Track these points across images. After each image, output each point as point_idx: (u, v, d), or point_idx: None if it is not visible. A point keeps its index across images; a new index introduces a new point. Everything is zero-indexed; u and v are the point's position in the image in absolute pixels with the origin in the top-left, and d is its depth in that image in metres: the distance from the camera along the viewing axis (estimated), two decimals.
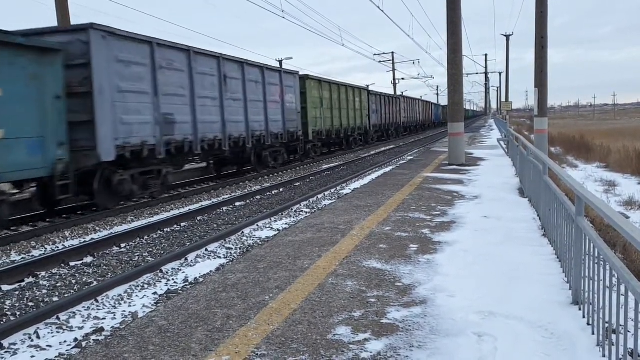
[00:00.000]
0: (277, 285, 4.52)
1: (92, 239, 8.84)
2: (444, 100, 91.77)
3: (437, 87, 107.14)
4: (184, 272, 6.78)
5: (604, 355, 3.07)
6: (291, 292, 4.35)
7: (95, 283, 6.51)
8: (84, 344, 4.68)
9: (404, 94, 54.61)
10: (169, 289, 6.13)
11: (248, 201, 12.62)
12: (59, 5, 14.74)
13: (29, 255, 7.95)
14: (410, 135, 48.14)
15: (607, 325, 3.03)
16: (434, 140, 37.75)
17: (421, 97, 63.25)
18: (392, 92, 52.53)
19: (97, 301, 5.73)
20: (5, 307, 5.75)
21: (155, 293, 6.02)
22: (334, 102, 25.64)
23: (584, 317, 3.63)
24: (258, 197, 13.30)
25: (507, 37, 52.75)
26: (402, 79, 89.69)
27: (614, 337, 2.88)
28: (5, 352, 4.59)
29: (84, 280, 6.66)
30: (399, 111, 41.86)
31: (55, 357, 4.49)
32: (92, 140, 10.37)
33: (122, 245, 8.43)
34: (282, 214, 10.62)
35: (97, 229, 9.80)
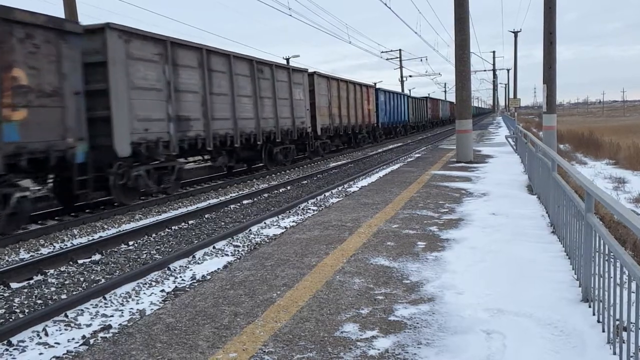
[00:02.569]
0: (284, 283, 4.51)
1: (101, 236, 8.87)
2: (451, 97, 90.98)
3: (445, 84, 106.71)
4: (191, 270, 6.79)
5: (614, 353, 3.03)
6: (298, 289, 4.34)
7: (103, 281, 6.53)
8: (91, 341, 4.69)
9: (412, 91, 53.86)
10: (176, 287, 6.14)
11: (255, 199, 12.63)
12: (67, 4, 14.79)
13: (37, 253, 7.99)
14: None
15: (617, 322, 2.99)
16: (441, 138, 37.63)
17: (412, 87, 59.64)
18: (400, 89, 51.36)
19: (105, 299, 5.75)
20: (14, 304, 5.78)
21: (162, 290, 6.03)
22: None
23: (593, 314, 3.59)
24: (265, 195, 13.31)
25: (515, 33, 52.53)
26: (410, 76, 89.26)
27: (624, 334, 2.85)
28: (14, 349, 4.61)
29: (92, 277, 6.68)
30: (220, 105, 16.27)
31: (64, 354, 4.51)
32: None
33: (130, 243, 8.46)
34: (290, 212, 10.61)
35: (106, 227, 9.84)
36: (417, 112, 47.34)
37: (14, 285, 6.42)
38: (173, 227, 9.57)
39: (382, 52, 61.07)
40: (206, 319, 3.80)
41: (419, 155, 20.51)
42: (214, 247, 7.85)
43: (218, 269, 6.67)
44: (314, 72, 22.72)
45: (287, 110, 19.30)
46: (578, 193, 4.88)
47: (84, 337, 4.80)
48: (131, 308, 5.51)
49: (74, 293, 6.07)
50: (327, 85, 24.15)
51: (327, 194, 12.90)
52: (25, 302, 5.85)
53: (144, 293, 5.98)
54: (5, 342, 4.67)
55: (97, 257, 7.67)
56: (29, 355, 4.50)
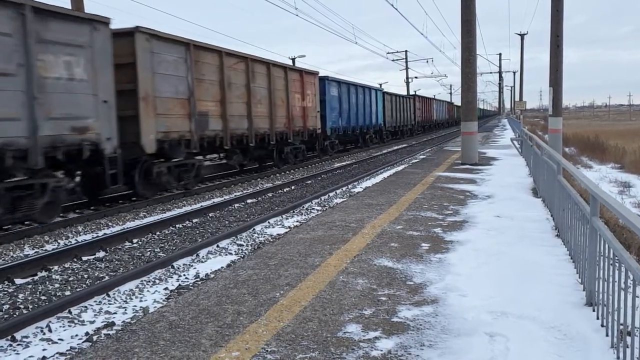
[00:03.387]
0: (287, 282, 4.52)
1: (105, 234, 8.90)
2: (457, 99, 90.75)
3: (451, 86, 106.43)
4: (195, 268, 6.80)
5: (618, 357, 3.02)
6: (302, 289, 4.34)
7: (107, 278, 6.54)
8: (95, 338, 4.71)
9: (417, 92, 53.46)
10: (180, 285, 6.15)
11: (259, 198, 12.64)
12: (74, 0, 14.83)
13: (42, 250, 8.02)
14: None
15: (621, 327, 2.98)
16: (445, 140, 37.58)
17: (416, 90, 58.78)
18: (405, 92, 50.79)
19: (108, 296, 5.77)
20: (19, 300, 5.80)
21: (166, 288, 6.04)
22: None
23: (597, 318, 3.58)
24: (270, 194, 13.32)
25: (522, 36, 52.45)
26: (416, 77, 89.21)
27: (628, 339, 2.84)
28: (18, 344, 4.63)
29: (96, 274, 6.70)
30: None
31: (67, 350, 4.53)
32: None
33: (134, 240, 8.48)
34: (294, 212, 10.62)
35: (110, 224, 9.86)
36: (398, 113, 37.14)
37: (18, 281, 6.45)
38: (177, 225, 9.59)
39: (388, 53, 60.84)
40: (209, 317, 3.80)
41: (424, 156, 20.49)
42: (217, 246, 7.86)
43: (222, 267, 6.69)
44: (138, 27, 11.35)
45: (10, 100, 8.43)
46: (583, 196, 4.86)
47: (87, 333, 4.82)
48: (134, 305, 5.53)
49: (78, 290, 6.09)
50: (189, 58, 13.00)
51: (331, 194, 12.91)
52: (29, 298, 5.88)
53: (148, 291, 5.99)
54: (9, 337, 4.70)
55: (101, 254, 7.69)
56: (33, 351, 4.52)
